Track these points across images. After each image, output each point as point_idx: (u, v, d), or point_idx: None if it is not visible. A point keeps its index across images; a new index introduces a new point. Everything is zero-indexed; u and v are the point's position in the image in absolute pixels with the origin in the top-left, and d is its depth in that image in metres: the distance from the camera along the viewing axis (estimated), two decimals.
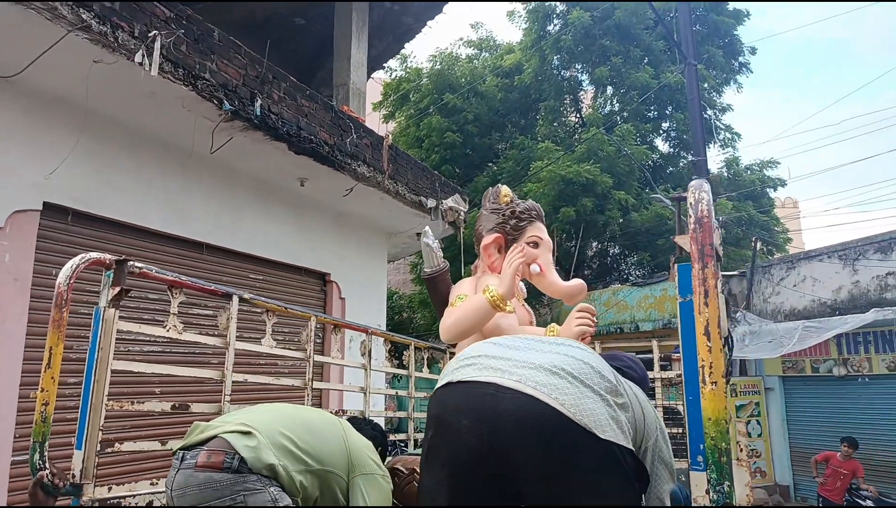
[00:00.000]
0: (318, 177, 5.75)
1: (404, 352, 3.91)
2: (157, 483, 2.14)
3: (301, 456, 1.79)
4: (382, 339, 3.89)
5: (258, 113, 4.64)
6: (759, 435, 10.69)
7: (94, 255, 2.02)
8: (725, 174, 16.88)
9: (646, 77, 15.86)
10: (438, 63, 18.54)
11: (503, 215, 2.62)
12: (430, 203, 6.86)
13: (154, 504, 2.10)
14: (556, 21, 17.77)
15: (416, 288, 18.00)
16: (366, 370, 3.42)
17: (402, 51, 13.32)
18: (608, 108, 18.21)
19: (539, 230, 2.64)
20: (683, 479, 1.73)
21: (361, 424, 2.26)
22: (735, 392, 10.62)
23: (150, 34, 3.76)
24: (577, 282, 2.60)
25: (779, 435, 10.71)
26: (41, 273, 4.12)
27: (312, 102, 5.33)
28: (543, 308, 12.61)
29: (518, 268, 2.33)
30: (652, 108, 17.25)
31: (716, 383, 1.17)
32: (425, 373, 4.13)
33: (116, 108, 4.34)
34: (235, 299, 2.51)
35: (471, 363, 1.54)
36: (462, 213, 7.38)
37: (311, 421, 1.95)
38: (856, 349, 9.62)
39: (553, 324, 2.44)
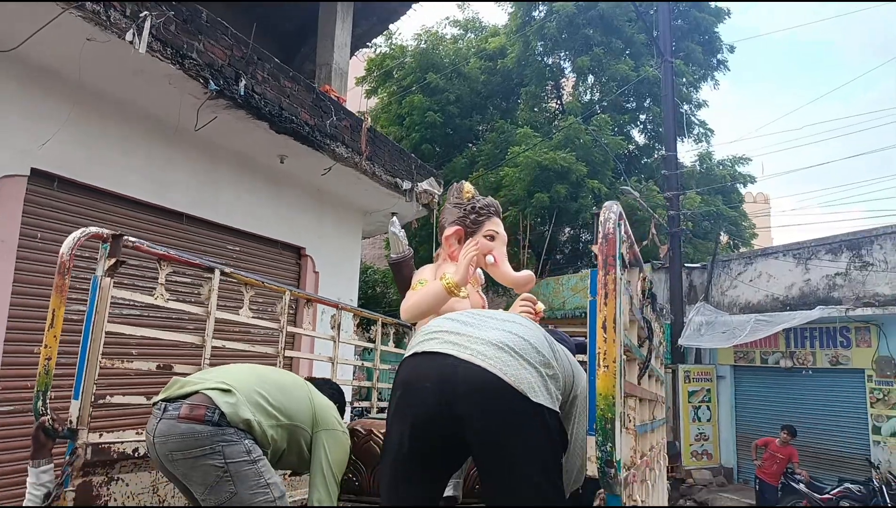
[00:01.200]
0: (298, 155, 5.96)
1: (373, 326, 4.19)
2: (141, 433, 2.41)
3: (273, 412, 2.08)
4: (351, 314, 4.17)
5: (242, 93, 4.83)
6: (709, 420, 11.25)
7: (92, 229, 2.26)
8: (698, 169, 17.31)
9: (626, 69, 16.16)
10: (423, 42, 18.62)
11: (464, 209, 2.92)
12: (406, 185, 7.10)
13: (139, 451, 2.38)
14: (541, 7, 17.93)
15: (385, 265, 18.29)
16: (334, 341, 3.71)
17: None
18: (588, 96, 18.52)
19: (496, 225, 2.95)
20: None
21: (322, 385, 2.54)
22: (688, 379, 11.16)
23: (141, 14, 3.94)
24: (526, 273, 2.93)
25: (727, 421, 11.30)
26: (27, 236, 4.31)
27: (295, 84, 5.52)
28: (499, 297, 12.97)
29: (472, 259, 2.64)
30: (630, 99, 17.59)
31: (608, 366, 1.47)
32: (391, 347, 4.42)
33: (105, 82, 4.50)
34: (217, 272, 2.77)
35: (434, 338, 1.86)
36: (436, 195, 7.64)
37: (281, 381, 2.25)
38: (802, 344, 10.18)
39: (500, 311, 2.72)
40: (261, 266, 6.27)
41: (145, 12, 3.92)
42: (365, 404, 3.94)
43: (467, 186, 3.06)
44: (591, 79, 18.32)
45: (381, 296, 17.92)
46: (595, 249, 1.62)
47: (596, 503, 1.52)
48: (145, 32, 3.91)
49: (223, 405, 1.97)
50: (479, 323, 1.90)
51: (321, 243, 7.15)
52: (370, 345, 4.17)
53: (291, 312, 6.51)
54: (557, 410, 1.79)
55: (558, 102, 19.47)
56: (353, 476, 2.37)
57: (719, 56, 18.20)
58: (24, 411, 4.25)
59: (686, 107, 17.24)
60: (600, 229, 1.57)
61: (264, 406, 2.07)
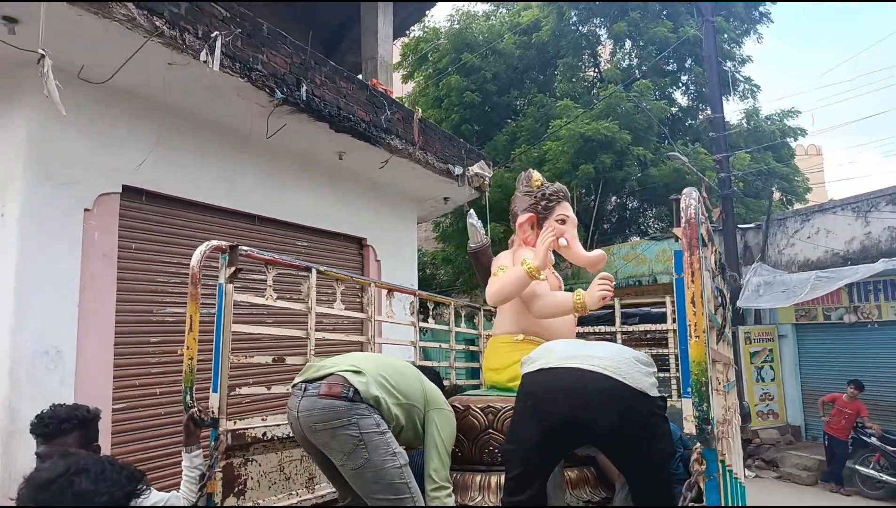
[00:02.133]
0: (355, 151, 6.22)
1: (431, 307, 4.37)
2: (265, 419, 2.72)
3: (394, 392, 2.36)
4: (418, 299, 4.36)
5: (304, 98, 5.10)
6: (773, 380, 11.21)
7: (215, 242, 2.53)
8: (745, 126, 16.94)
9: (664, 31, 15.89)
10: (456, 22, 18.63)
11: (535, 197, 3.14)
12: (457, 170, 7.30)
13: (267, 435, 2.68)
14: None
15: (437, 246, 18.55)
16: (415, 326, 3.97)
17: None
18: (626, 62, 18.26)
19: (566, 209, 3.16)
20: None
21: (425, 370, 2.82)
22: (749, 340, 11.12)
23: (212, 34, 4.22)
24: (598, 253, 3.13)
25: (791, 379, 11.23)
26: (124, 248, 4.70)
27: (350, 84, 5.77)
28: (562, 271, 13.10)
29: (550, 244, 2.84)
30: (671, 61, 17.29)
31: (698, 336, 1.66)
32: (463, 328, 4.66)
33: (181, 99, 4.82)
34: (314, 271, 3.05)
35: (553, 354, 2.31)
36: (487, 178, 7.82)
37: (398, 367, 2.53)
38: (866, 298, 10.02)
39: (579, 289, 2.93)
40: (327, 259, 6.58)
41: (216, 32, 4.20)
42: (446, 382, 4.19)
43: (535, 174, 3.27)
44: (628, 44, 18.04)
45: (430, 278, 18.21)
46: (678, 232, 1.80)
47: (693, 457, 1.73)
48: (217, 51, 4.20)
49: (357, 384, 2.26)
50: (583, 344, 2.40)
51: (380, 233, 7.44)
52: (444, 327, 4.41)
53: (357, 299, 6.87)
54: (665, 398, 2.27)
55: (596, 70, 19.24)
56: (457, 448, 2.62)
57: (761, 8, 17.65)
58: (135, 407, 4.67)
59: (729, 64, 16.85)
60: (682, 214, 1.76)
61: (387, 387, 2.35)
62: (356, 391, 2.26)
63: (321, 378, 2.33)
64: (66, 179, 4.26)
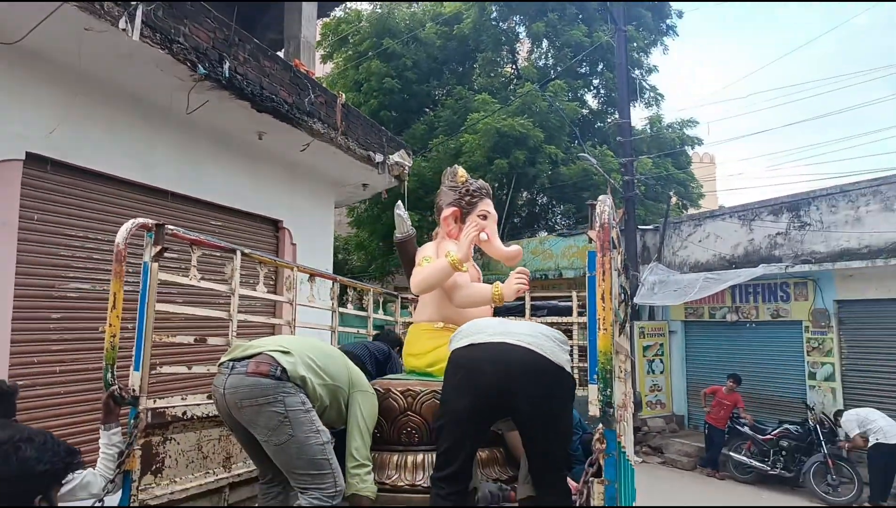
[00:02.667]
0: (276, 132, 6.15)
1: (346, 293, 4.43)
2: (185, 399, 2.73)
3: (321, 374, 2.44)
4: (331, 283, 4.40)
5: (226, 75, 5.00)
6: (662, 372, 12.04)
7: (140, 220, 2.50)
8: (649, 132, 17.91)
9: (580, 35, 16.50)
10: (379, 7, 18.51)
11: (459, 192, 3.30)
12: (378, 158, 7.36)
13: (187, 414, 2.69)
14: None
15: (351, 231, 18.45)
16: (334, 312, 4.03)
17: None
18: (543, 62, 18.82)
19: (488, 205, 3.34)
20: None
21: (350, 355, 2.91)
22: (643, 334, 11.88)
23: (132, 2, 4.07)
24: (515, 248, 3.34)
25: (678, 372, 12.11)
26: (25, 218, 4.45)
27: (274, 63, 5.69)
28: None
29: (473, 239, 3.00)
30: (584, 64, 17.98)
31: (606, 329, 1.86)
32: (380, 314, 4.76)
33: (96, 67, 4.60)
34: (238, 253, 3.06)
35: (481, 331, 2.46)
36: (407, 167, 7.92)
37: (324, 349, 2.61)
38: (746, 299, 10.96)
39: (497, 282, 3.11)
40: (242, 240, 6.47)
41: (136, 2, 4.05)
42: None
43: (461, 170, 3.44)
44: (545, 44, 18.60)
45: (343, 263, 18.11)
46: (593, 235, 1.99)
47: (596, 437, 1.93)
48: (137, 20, 4.06)
49: (285, 364, 2.32)
50: (509, 323, 2.61)
51: (297, 216, 7.38)
52: (364, 313, 4.51)
53: (271, 282, 6.81)
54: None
55: (514, 67, 19.71)
56: (376, 429, 2.73)
57: (668, 21, 18.69)
58: (33, 385, 4.47)
59: (637, 72, 17.74)
60: (597, 219, 1.95)
61: (314, 368, 2.43)
62: (284, 370, 2.33)
63: (249, 357, 2.37)
64: None
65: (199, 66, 4.67)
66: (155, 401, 2.55)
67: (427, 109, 19.28)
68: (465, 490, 2.41)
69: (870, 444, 7.98)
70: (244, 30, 5.74)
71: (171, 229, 2.62)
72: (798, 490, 8.80)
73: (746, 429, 9.45)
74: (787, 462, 8.95)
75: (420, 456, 2.84)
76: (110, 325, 2.39)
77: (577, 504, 2.09)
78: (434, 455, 2.83)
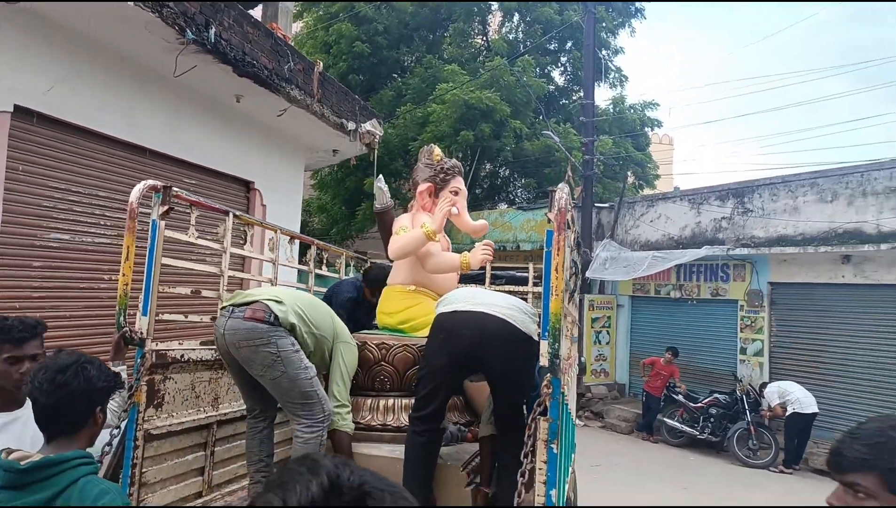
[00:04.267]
0: (254, 95, 6.33)
1: (307, 252, 4.74)
2: (182, 344, 3.05)
3: (308, 323, 2.80)
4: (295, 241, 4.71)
5: (212, 40, 5.18)
6: (608, 343, 12.75)
7: (149, 182, 2.78)
8: (612, 112, 18.40)
9: (550, 12, 16.80)
10: None
11: (434, 169, 3.67)
12: (351, 126, 7.60)
13: (184, 357, 3.02)
14: None
15: (313, 193, 18.54)
16: (311, 273, 4.36)
17: None
18: (513, 36, 19.04)
19: (459, 183, 3.73)
20: None
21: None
22: (592, 307, 12.52)
23: None
24: (482, 222, 3.76)
25: (623, 344, 12.84)
26: (11, 169, 4.61)
27: (256, 30, 5.86)
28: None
29: (446, 213, 3.40)
30: (553, 42, 18.29)
31: (558, 295, 2.27)
32: (351, 274, 5.11)
33: (87, 26, 4.73)
34: (231, 215, 3.36)
35: (464, 300, 2.83)
36: (378, 135, 8.18)
37: (313, 302, 2.97)
38: (689, 278, 11.67)
39: (465, 252, 3.53)
40: (215, 199, 6.64)
41: None
42: None
43: (437, 149, 3.80)
44: (516, 18, 18.81)
45: (304, 225, 18.22)
46: (551, 216, 2.38)
47: (543, 383, 2.36)
48: None
49: (277, 311, 2.67)
50: (489, 293, 2.96)
51: (268, 178, 7.60)
52: (335, 276, 4.85)
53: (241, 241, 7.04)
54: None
55: (484, 39, 19.87)
56: (353, 377, 3.13)
57: (637, 4, 19.08)
58: None
59: (604, 52, 18.14)
60: (556, 203, 2.33)
61: (303, 317, 2.78)
62: (276, 316, 2.68)
63: (247, 304, 2.71)
64: None
65: (188, 30, 4.85)
66: (157, 344, 2.86)
67: (396, 76, 19.34)
68: (437, 428, 2.85)
69: (787, 413, 8.81)
70: None
71: (176, 191, 2.90)
72: (722, 454, 9.62)
73: (680, 398, 10.21)
74: (714, 428, 9.74)
75: (391, 401, 3.29)
76: (123, 274, 2.68)
77: (526, 437, 2.52)
78: (402, 400, 3.28)
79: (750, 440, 9.22)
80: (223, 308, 2.79)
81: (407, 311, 3.50)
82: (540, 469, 2.31)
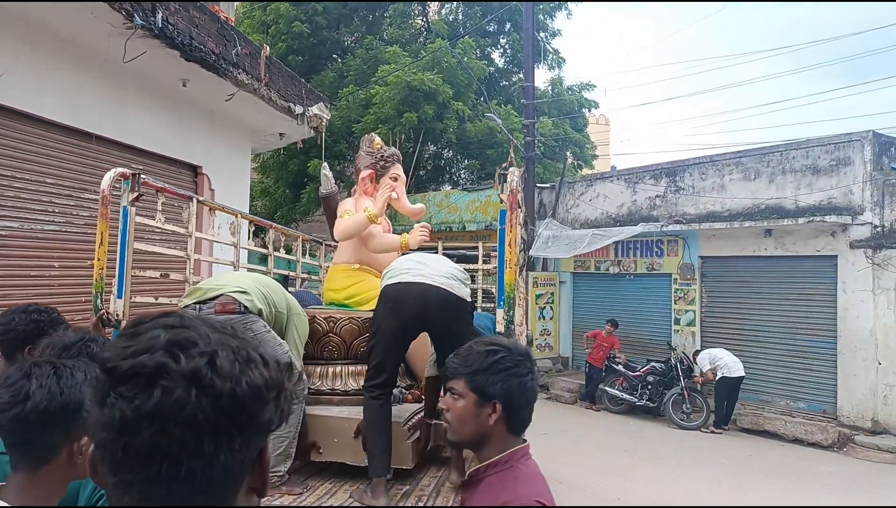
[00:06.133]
0: (201, 80, 6.33)
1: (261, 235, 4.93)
2: None
3: (270, 304, 2.99)
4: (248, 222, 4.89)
5: (159, 24, 5.18)
6: (551, 318, 13.24)
7: (119, 170, 2.88)
8: (550, 93, 18.83)
9: None
10: None
11: (375, 157, 3.99)
12: (298, 110, 7.66)
13: None
14: None
15: (255, 177, 18.30)
16: (269, 255, 4.50)
17: None
18: (452, 17, 19.18)
19: (398, 170, 4.07)
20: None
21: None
22: (536, 284, 12.96)
23: None
24: (419, 206, 4.15)
25: (566, 318, 13.36)
26: None
27: (202, 14, 5.86)
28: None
29: (387, 198, 3.71)
30: (492, 24, 18.52)
31: (511, 267, 2.53)
32: (307, 259, 5.27)
33: (25, 8, 4.66)
34: (195, 200, 3.47)
35: (407, 272, 3.07)
36: (325, 119, 8.26)
37: (270, 284, 3.15)
38: (627, 254, 12.25)
39: (405, 234, 3.85)
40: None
41: None
42: None
43: (377, 138, 4.11)
44: None
45: (249, 208, 17.97)
46: (503, 197, 2.64)
47: None
48: None
49: (244, 301, 2.84)
50: (430, 263, 3.17)
51: (215, 162, 7.59)
52: (292, 258, 5.00)
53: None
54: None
55: (424, 19, 19.92)
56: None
57: None
58: None
59: (542, 35, 18.50)
60: (507, 185, 2.59)
61: (266, 300, 2.96)
62: (245, 307, 2.85)
63: (213, 299, 2.86)
64: None
65: (135, 15, 4.84)
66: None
67: (336, 57, 19.21)
68: (390, 393, 3.14)
69: (717, 378, 9.46)
70: None
71: (144, 179, 3.01)
72: (659, 419, 10.24)
73: (620, 367, 10.78)
74: (651, 394, 10.35)
75: (339, 368, 3.60)
76: (98, 259, 2.79)
77: None
78: (349, 367, 3.59)
79: (684, 404, 9.84)
80: (186, 307, 2.92)
81: (352, 287, 3.81)
82: None
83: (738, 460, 8.15)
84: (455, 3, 19.07)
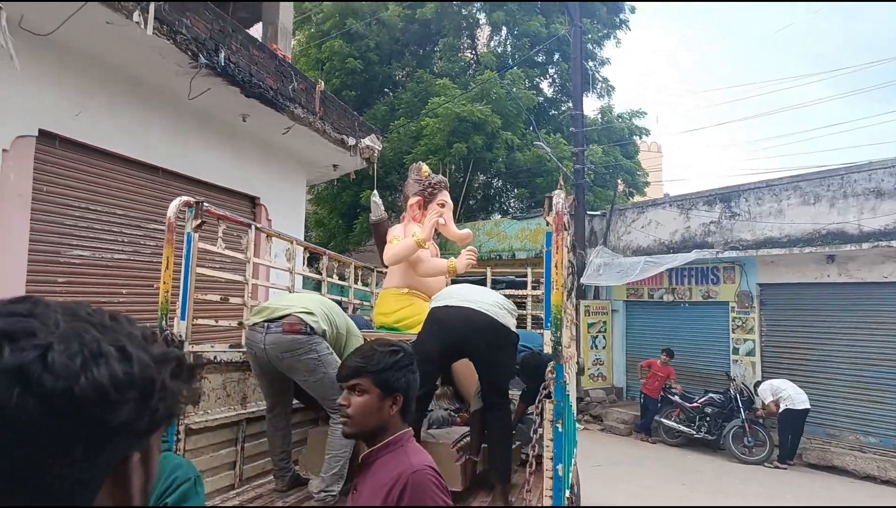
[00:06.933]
0: (259, 115, 6.61)
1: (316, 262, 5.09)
2: (214, 346, 3.31)
3: (332, 325, 3.09)
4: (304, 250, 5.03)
5: (222, 63, 5.47)
6: (604, 347, 13.02)
7: (184, 198, 3.05)
8: (600, 121, 18.79)
9: (537, 25, 17.19)
10: None
11: (423, 184, 4.10)
12: (351, 141, 7.89)
13: (215, 358, 3.28)
14: None
15: (310, 208, 18.81)
16: (324, 281, 4.63)
17: None
18: (502, 49, 19.46)
19: (445, 196, 4.16)
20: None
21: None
22: (588, 312, 12.80)
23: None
24: (466, 231, 4.21)
25: (619, 348, 13.11)
26: (37, 190, 4.87)
27: (261, 52, 6.16)
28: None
29: (434, 223, 3.81)
30: (541, 54, 18.70)
31: (558, 288, 2.55)
32: (359, 285, 5.39)
33: (104, 52, 5.02)
34: (253, 227, 3.63)
35: (454, 296, 3.20)
36: (376, 150, 8.47)
37: (331, 305, 3.26)
38: (681, 281, 11.99)
39: (452, 258, 3.93)
40: None
41: None
42: None
43: (425, 166, 4.22)
44: (504, 32, 19.23)
45: (304, 238, 18.44)
46: (550, 219, 2.67)
47: (548, 369, 2.63)
48: (151, 15, 4.51)
49: (310, 322, 2.97)
50: (477, 291, 3.32)
51: (272, 193, 7.87)
52: (347, 284, 5.13)
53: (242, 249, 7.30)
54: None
55: (473, 53, 20.27)
56: None
57: (622, 16, 19.54)
58: None
59: (591, 64, 18.56)
60: (553, 207, 2.62)
61: (329, 321, 3.07)
62: (311, 327, 2.98)
63: (280, 318, 3.00)
64: None
65: (200, 55, 5.13)
66: (192, 346, 3.13)
67: (388, 91, 19.71)
68: (424, 410, 3.27)
69: (780, 410, 9.09)
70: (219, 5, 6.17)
71: (207, 206, 3.18)
72: (719, 452, 9.88)
73: (677, 398, 10.48)
74: (710, 427, 10.01)
75: None
76: (164, 282, 2.94)
77: (533, 417, 2.82)
78: None
79: (745, 437, 9.48)
80: (255, 324, 3.07)
81: (401, 311, 3.90)
82: (547, 446, 2.58)
83: (805, 496, 7.78)
84: (504, 35, 19.33)
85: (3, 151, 4.53)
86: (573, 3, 13.09)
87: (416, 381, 1.80)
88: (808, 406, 9.10)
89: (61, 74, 4.95)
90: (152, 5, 4.52)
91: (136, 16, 4.47)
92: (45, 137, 4.89)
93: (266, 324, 3.01)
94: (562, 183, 13.04)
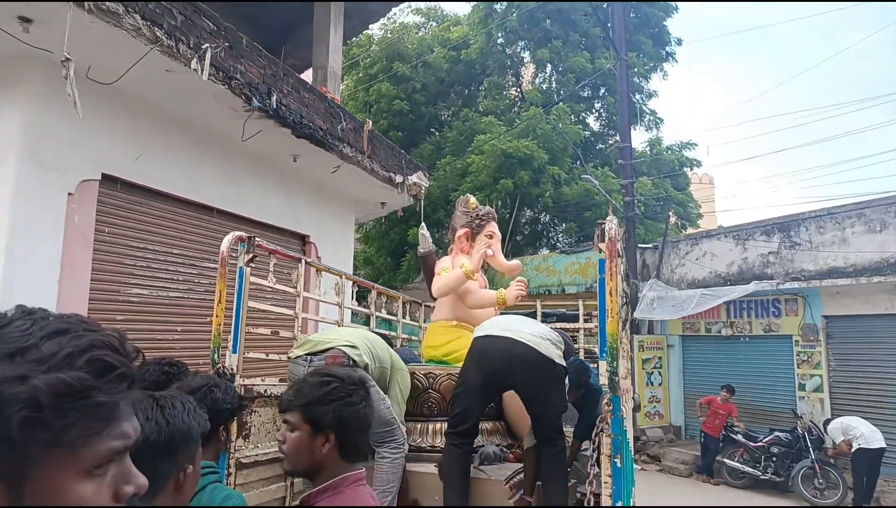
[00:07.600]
0: (309, 154, 6.77)
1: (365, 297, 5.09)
2: (264, 380, 3.32)
3: (376, 358, 3.07)
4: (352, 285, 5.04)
5: (274, 106, 5.64)
6: (660, 384, 12.59)
7: (236, 233, 3.10)
8: (649, 153, 18.58)
9: (582, 61, 17.25)
10: (389, 32, 19.30)
11: (471, 216, 4.08)
12: (398, 179, 7.99)
13: (266, 392, 3.28)
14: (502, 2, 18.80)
15: (358, 246, 19.07)
16: (373, 315, 4.62)
17: None
18: (547, 86, 19.57)
19: (493, 227, 4.13)
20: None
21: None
22: (642, 348, 12.44)
23: (202, 46, 4.72)
24: (515, 262, 4.15)
25: (676, 384, 12.65)
26: (99, 231, 5.07)
27: (311, 95, 6.34)
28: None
29: (482, 254, 3.77)
30: (587, 89, 18.72)
31: (613, 316, 2.46)
32: (407, 319, 5.37)
33: (160, 98, 5.25)
34: (303, 262, 3.66)
35: (496, 326, 3.15)
36: (423, 187, 8.55)
37: (376, 339, 3.24)
38: (740, 314, 11.55)
39: (501, 289, 3.87)
40: None
41: (206, 44, 4.70)
42: None
43: (472, 198, 4.20)
44: (549, 69, 19.36)
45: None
46: (602, 246, 2.60)
47: (605, 401, 2.52)
48: (207, 61, 4.70)
49: (353, 356, 2.95)
50: (520, 321, 3.25)
51: (322, 231, 8.00)
52: (395, 318, 5.12)
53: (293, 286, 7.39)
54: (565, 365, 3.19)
55: (518, 90, 20.45)
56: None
57: (668, 49, 19.44)
58: None
59: (638, 97, 18.45)
60: (606, 233, 2.56)
61: (372, 355, 3.06)
62: (353, 360, 2.96)
63: (323, 351, 2.99)
64: (54, 165, 4.62)
65: (254, 98, 5.31)
66: (244, 380, 3.14)
67: (434, 130, 20.02)
68: (471, 444, 3.16)
69: (853, 450, 8.53)
70: (273, 52, 6.38)
71: (258, 241, 3.23)
72: (788, 494, 9.32)
73: (740, 437, 9.99)
74: (777, 467, 9.48)
75: (438, 425, 3.61)
76: (216, 316, 2.98)
77: (588, 453, 2.69)
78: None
79: (816, 479, 8.94)
80: (297, 357, 3.07)
81: (450, 344, 3.84)
82: (605, 482, 2.46)
83: None
84: (549, 72, 19.46)
85: (69, 194, 4.74)
86: (618, 37, 13.10)
87: (357, 415, 1.60)
88: (884, 445, 8.52)
89: (123, 120, 5.18)
90: (208, 52, 4.70)
91: (193, 63, 4.67)
92: (107, 180, 5.10)
93: (309, 357, 3.00)
94: (611, 215, 12.87)
